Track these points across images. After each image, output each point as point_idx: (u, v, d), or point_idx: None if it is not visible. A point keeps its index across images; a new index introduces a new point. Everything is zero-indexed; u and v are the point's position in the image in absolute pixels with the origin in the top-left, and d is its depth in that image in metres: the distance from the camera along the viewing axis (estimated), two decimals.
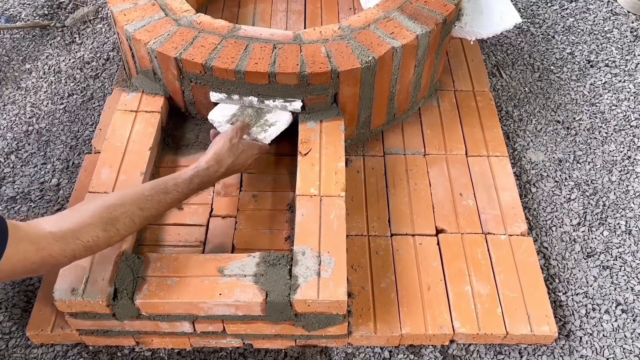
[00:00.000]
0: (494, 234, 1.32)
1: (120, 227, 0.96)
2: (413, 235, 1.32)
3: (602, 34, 1.96)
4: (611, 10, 2.05)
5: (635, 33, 1.96)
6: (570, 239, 1.40)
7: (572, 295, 1.30)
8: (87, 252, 0.94)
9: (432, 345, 1.22)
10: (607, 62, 1.86)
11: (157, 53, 1.27)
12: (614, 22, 2.01)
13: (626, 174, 1.54)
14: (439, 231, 1.33)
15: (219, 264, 1.09)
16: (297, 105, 1.29)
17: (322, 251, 1.10)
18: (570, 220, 1.44)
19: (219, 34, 1.31)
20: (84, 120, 1.66)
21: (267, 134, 1.27)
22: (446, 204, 1.38)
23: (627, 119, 1.68)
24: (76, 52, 1.88)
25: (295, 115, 1.32)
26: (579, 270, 1.35)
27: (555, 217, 1.44)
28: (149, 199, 1.02)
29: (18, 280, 1.31)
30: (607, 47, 1.91)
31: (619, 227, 1.43)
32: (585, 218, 1.44)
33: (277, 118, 1.30)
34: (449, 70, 1.69)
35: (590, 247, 1.39)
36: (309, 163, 1.26)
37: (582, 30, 1.98)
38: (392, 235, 1.32)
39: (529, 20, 2.01)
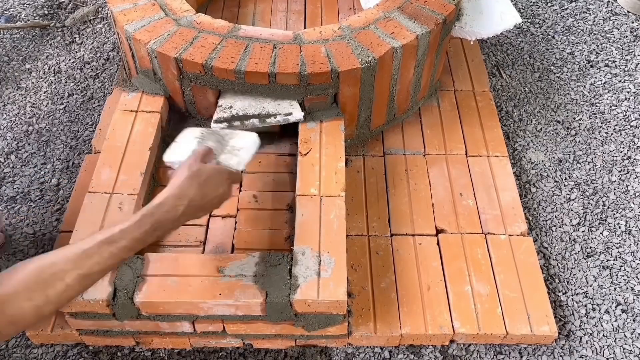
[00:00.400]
0: (494, 234, 1.32)
1: (51, 293, 0.76)
2: (413, 235, 1.32)
3: (602, 34, 1.96)
4: (611, 10, 2.05)
5: (635, 33, 1.96)
6: (570, 239, 1.40)
7: (572, 295, 1.30)
8: (15, 328, 0.75)
9: (432, 345, 1.22)
10: (607, 62, 1.86)
11: (157, 53, 1.27)
12: (614, 22, 2.01)
13: (626, 174, 1.54)
14: (439, 231, 1.33)
15: (219, 264, 1.09)
16: (298, 115, 1.27)
17: (322, 251, 1.10)
18: (570, 220, 1.44)
19: (219, 34, 1.31)
20: (84, 120, 1.66)
21: (240, 159, 1.07)
22: (446, 204, 1.38)
23: (627, 119, 1.68)
24: (76, 52, 1.88)
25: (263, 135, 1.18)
26: (579, 270, 1.35)
27: (555, 217, 1.44)
28: (89, 254, 0.80)
29: None
30: (607, 47, 1.91)
31: (619, 227, 1.43)
32: (585, 218, 1.44)
33: (243, 142, 1.10)
34: (449, 70, 1.69)
35: (590, 247, 1.39)
36: (309, 163, 1.26)
37: (582, 30, 1.98)
38: (392, 235, 1.32)
39: (529, 20, 2.01)
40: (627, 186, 1.52)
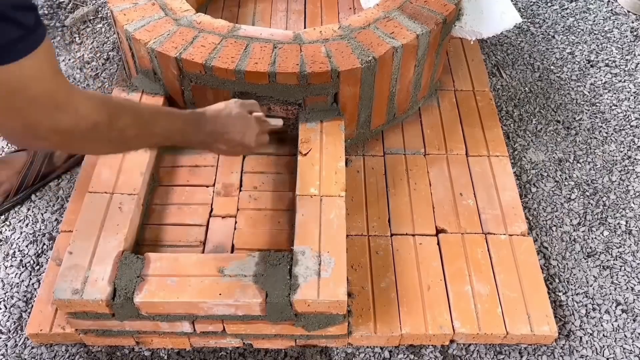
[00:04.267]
0: (494, 234, 1.32)
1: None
2: (413, 235, 1.32)
3: (602, 34, 1.96)
4: (611, 10, 2.05)
5: (635, 33, 1.96)
6: (570, 238, 1.40)
7: (572, 295, 1.30)
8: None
9: (432, 345, 1.22)
10: (607, 62, 1.86)
11: (157, 53, 1.27)
12: (614, 21, 2.01)
13: (626, 174, 1.54)
14: (439, 231, 1.33)
15: (219, 264, 1.09)
16: None
17: (322, 251, 1.10)
18: (571, 220, 1.44)
19: (219, 34, 1.31)
20: None
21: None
22: (446, 204, 1.38)
23: (627, 119, 1.68)
24: (76, 52, 1.88)
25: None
26: (579, 270, 1.35)
27: (556, 217, 1.44)
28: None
29: (17, 280, 1.31)
30: (607, 47, 1.91)
31: (619, 227, 1.43)
32: (585, 218, 1.44)
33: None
34: (449, 70, 1.69)
35: (591, 247, 1.39)
36: (309, 163, 1.26)
37: (582, 30, 1.98)
38: (392, 235, 1.32)
39: (529, 20, 2.01)
40: (627, 186, 1.51)
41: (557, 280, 1.33)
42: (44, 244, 1.37)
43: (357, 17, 1.36)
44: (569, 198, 1.48)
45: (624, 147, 1.61)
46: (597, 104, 1.72)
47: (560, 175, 1.53)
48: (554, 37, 1.95)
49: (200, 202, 1.30)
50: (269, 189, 1.34)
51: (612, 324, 1.26)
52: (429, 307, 1.20)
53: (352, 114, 1.38)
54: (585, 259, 1.37)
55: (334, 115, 1.34)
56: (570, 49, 1.90)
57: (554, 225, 1.43)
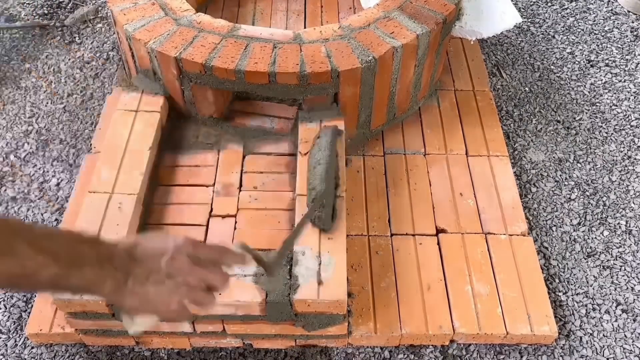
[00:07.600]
0: (494, 234, 1.32)
1: None
2: (413, 235, 1.32)
3: (602, 34, 1.96)
4: (611, 10, 2.05)
5: (635, 33, 1.96)
6: (570, 238, 1.40)
7: (572, 295, 1.30)
8: None
9: (432, 345, 1.22)
10: (607, 61, 1.86)
11: (157, 53, 1.27)
12: (614, 21, 2.00)
13: (626, 173, 1.54)
14: (439, 231, 1.33)
15: None
16: None
17: (322, 251, 1.10)
18: (571, 220, 1.44)
19: (219, 34, 1.31)
20: (83, 120, 1.66)
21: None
22: (446, 204, 1.38)
23: (627, 119, 1.68)
24: (76, 51, 1.88)
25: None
26: (579, 270, 1.35)
27: (556, 217, 1.44)
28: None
29: None
30: (607, 47, 1.91)
31: (619, 227, 1.43)
32: (585, 218, 1.44)
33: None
34: (449, 70, 1.69)
35: (591, 247, 1.39)
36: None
37: (582, 30, 1.98)
38: (392, 235, 1.32)
39: (529, 20, 2.01)
40: (627, 186, 1.51)
41: (557, 280, 1.33)
42: None
43: (357, 17, 1.36)
44: (569, 198, 1.48)
45: (624, 147, 1.61)
46: (597, 104, 1.72)
47: (560, 175, 1.53)
48: (554, 37, 1.95)
49: (200, 202, 1.30)
50: (269, 189, 1.34)
51: (612, 324, 1.26)
52: (429, 307, 1.20)
53: (352, 114, 1.37)
54: (585, 259, 1.37)
55: (334, 115, 1.34)
56: (570, 48, 1.90)
57: (554, 225, 1.43)
